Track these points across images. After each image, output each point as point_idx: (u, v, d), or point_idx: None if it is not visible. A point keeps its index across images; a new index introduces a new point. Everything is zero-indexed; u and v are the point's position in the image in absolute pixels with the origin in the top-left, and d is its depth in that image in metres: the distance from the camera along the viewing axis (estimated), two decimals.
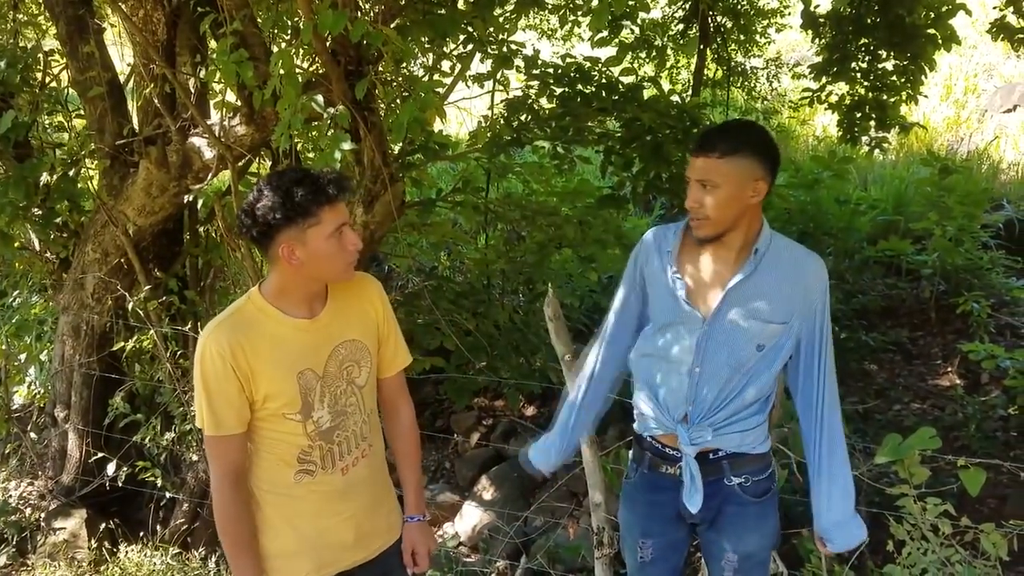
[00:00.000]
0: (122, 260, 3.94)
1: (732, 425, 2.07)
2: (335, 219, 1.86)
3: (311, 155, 3.71)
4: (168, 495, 3.86)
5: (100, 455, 3.90)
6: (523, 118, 4.28)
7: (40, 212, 3.98)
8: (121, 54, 4.43)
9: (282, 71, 2.84)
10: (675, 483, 2.15)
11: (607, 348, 2.30)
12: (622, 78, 4.40)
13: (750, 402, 2.06)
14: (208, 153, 3.63)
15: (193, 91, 3.72)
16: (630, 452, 2.35)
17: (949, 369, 5.60)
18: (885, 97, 5.86)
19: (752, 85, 11.31)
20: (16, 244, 4.16)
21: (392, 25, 3.28)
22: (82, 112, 4.05)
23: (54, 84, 4.23)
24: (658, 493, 2.21)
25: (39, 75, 4.14)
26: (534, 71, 4.21)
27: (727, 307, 2.03)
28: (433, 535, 2.38)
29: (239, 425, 1.92)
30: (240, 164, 3.76)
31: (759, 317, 2.00)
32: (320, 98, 2.94)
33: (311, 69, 3.48)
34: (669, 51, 10.32)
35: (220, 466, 1.94)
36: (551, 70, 4.27)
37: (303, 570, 2.04)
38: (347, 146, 2.83)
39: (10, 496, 4.07)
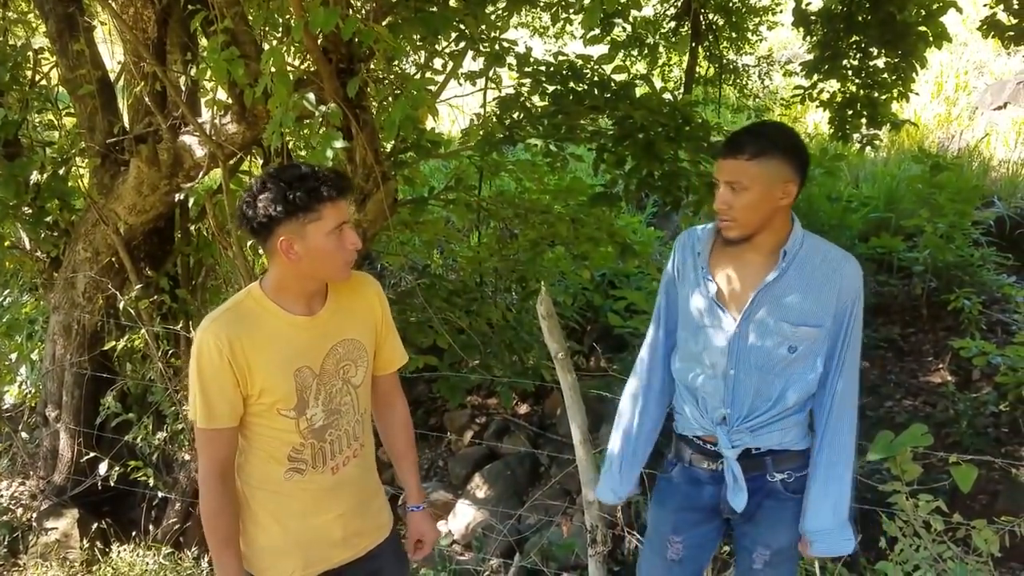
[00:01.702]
0: (113, 259, 3.93)
1: (771, 426, 2.08)
2: (336, 216, 1.86)
3: (302, 153, 3.70)
4: (160, 495, 3.84)
5: (92, 455, 3.88)
6: (515, 116, 4.27)
7: (30, 211, 3.96)
8: (111, 52, 4.40)
9: (273, 69, 2.84)
10: (714, 477, 2.16)
11: (651, 352, 2.28)
12: (614, 76, 4.40)
13: (791, 406, 2.06)
14: (199, 151, 3.61)
15: (184, 89, 3.70)
16: (667, 452, 2.33)
17: (940, 366, 5.62)
18: (876, 94, 5.87)
19: (744, 83, 11.33)
20: (6, 243, 4.14)
21: (384, 23, 3.28)
22: (72, 110, 4.03)
23: (44, 82, 4.20)
24: (696, 486, 2.21)
25: (29, 73, 4.11)
26: (526, 69, 4.20)
27: (756, 309, 2.02)
28: (435, 523, 2.39)
29: (232, 419, 1.92)
30: (231, 162, 3.74)
31: (789, 319, 1.99)
32: (312, 96, 2.93)
33: (302, 67, 3.46)
34: (661, 49, 10.33)
35: (209, 459, 1.94)
36: (543, 68, 4.27)
37: (290, 567, 2.05)
38: (339, 144, 2.82)
39: (1, 496, 4.05)
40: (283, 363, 1.92)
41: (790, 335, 2.00)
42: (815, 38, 6.09)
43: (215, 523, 1.96)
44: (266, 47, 3.38)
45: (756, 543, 2.17)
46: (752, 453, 2.10)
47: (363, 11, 3.11)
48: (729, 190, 1.96)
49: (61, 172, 4.07)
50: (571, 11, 5.37)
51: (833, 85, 6.19)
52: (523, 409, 5.53)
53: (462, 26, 3.76)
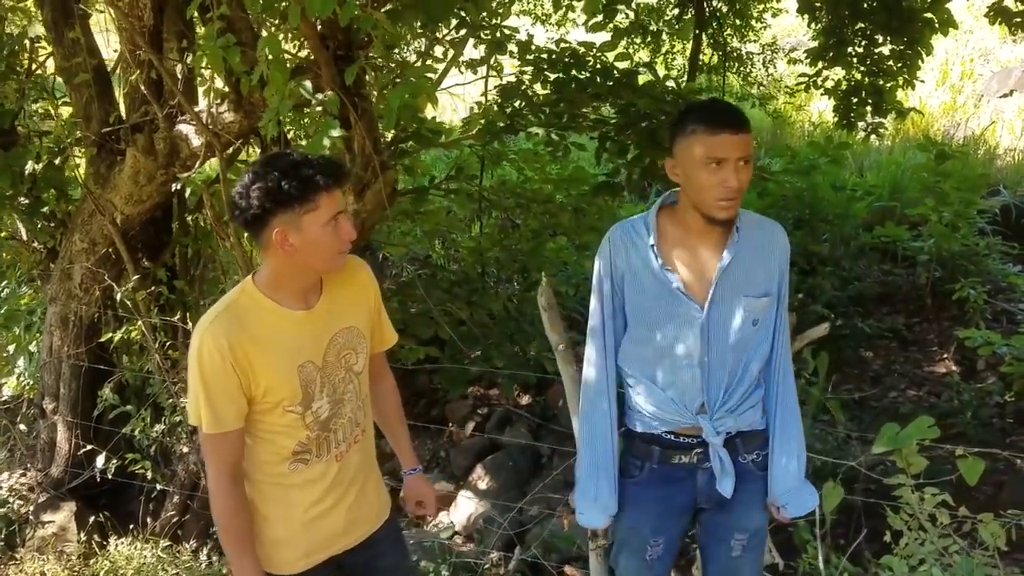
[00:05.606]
0: (110, 250, 3.89)
1: (745, 403, 2.07)
2: (332, 206, 1.81)
3: (302, 142, 3.67)
4: (158, 487, 3.82)
5: (89, 447, 3.86)
6: (517, 104, 4.23)
7: (26, 201, 3.93)
8: (107, 40, 4.35)
9: (269, 56, 2.79)
10: (689, 471, 2.11)
11: (606, 372, 2.15)
12: (617, 63, 4.35)
13: (755, 376, 2.07)
14: (196, 140, 3.57)
15: (180, 77, 3.65)
16: (628, 455, 2.23)
17: (945, 356, 5.59)
18: (882, 82, 5.83)
19: (747, 71, 11.26)
20: (2, 234, 4.11)
21: (383, 9, 3.22)
22: (68, 99, 3.99)
23: (40, 71, 4.16)
24: (670, 485, 2.14)
25: (25, 62, 4.07)
26: (528, 56, 4.15)
27: (721, 290, 1.99)
28: (431, 484, 2.43)
29: (238, 420, 1.88)
30: (228, 151, 3.70)
31: (750, 293, 2.00)
32: (308, 84, 2.88)
33: (299, 54, 3.42)
34: (663, 36, 10.27)
35: (219, 463, 1.89)
36: (545, 55, 4.22)
37: (292, 557, 2.03)
38: (336, 133, 2.78)
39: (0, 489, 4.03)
40: (286, 361, 1.88)
41: (753, 308, 2.01)
42: (820, 25, 6.06)
43: (230, 525, 1.92)
44: (264, 34, 3.33)
45: (733, 530, 2.16)
46: (726, 438, 2.09)
47: None
48: (742, 166, 1.88)
49: (57, 162, 4.03)
50: None
51: (838, 73, 6.15)
52: (524, 400, 5.50)
53: (462, 13, 3.70)
